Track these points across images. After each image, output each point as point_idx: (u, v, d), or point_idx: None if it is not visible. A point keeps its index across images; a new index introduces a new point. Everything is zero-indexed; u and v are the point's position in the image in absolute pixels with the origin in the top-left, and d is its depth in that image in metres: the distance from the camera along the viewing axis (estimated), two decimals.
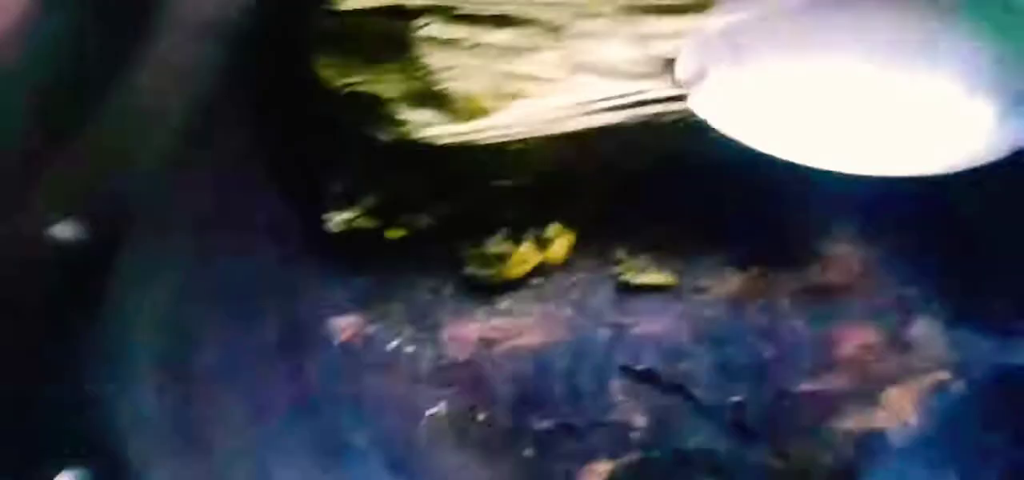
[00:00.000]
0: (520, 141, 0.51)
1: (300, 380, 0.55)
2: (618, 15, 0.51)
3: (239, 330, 0.54)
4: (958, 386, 0.58)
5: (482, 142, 0.51)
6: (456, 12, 0.50)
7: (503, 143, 0.51)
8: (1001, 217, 0.55)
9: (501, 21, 0.50)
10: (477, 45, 0.50)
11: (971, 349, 0.59)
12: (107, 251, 0.48)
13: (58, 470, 0.46)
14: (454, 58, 0.50)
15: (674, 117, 0.51)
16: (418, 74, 0.51)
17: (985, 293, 0.57)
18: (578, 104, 0.51)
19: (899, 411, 0.58)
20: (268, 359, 0.55)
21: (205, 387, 0.53)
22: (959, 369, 0.58)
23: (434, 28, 0.50)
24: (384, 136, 0.52)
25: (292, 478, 0.55)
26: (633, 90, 0.51)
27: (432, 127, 0.51)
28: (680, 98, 0.51)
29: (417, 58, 0.50)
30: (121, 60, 0.48)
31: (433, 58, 0.50)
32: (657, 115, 0.51)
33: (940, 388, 0.58)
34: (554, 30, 0.51)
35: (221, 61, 0.50)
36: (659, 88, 0.51)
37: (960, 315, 0.59)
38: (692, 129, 0.51)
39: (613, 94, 0.51)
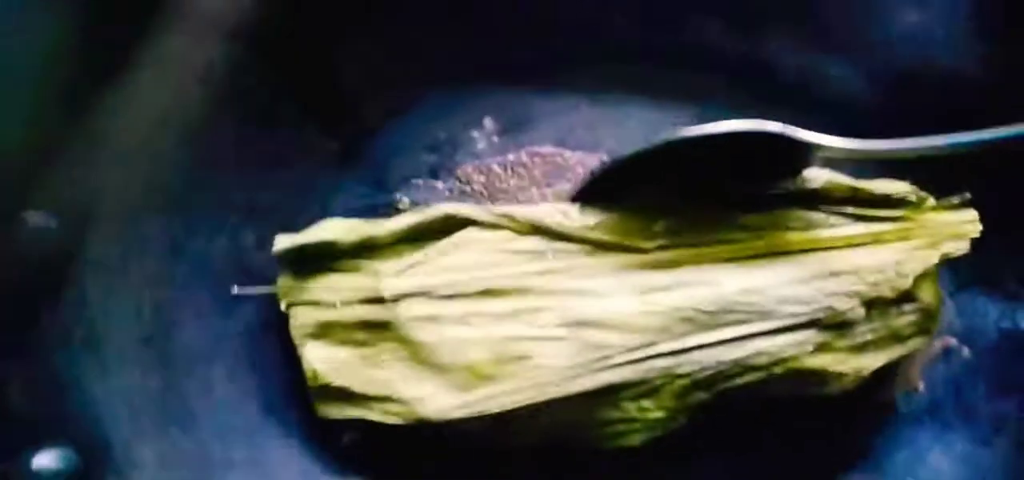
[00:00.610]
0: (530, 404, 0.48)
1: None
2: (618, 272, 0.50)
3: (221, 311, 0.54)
4: (965, 352, 0.56)
5: (485, 412, 0.48)
6: (437, 294, 0.50)
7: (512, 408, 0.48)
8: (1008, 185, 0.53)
9: (491, 293, 0.50)
10: (467, 315, 0.49)
11: (977, 315, 0.57)
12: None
13: (38, 450, 0.47)
14: (446, 331, 0.49)
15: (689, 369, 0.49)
16: (412, 352, 0.50)
17: (991, 259, 0.55)
18: (589, 361, 0.48)
19: (907, 379, 0.56)
20: (253, 339, 0.55)
21: (189, 367, 0.53)
22: (965, 335, 0.57)
23: (417, 308, 0.49)
24: (391, 420, 0.50)
25: (287, 456, 0.54)
26: (641, 342, 0.49)
27: (436, 401, 0.49)
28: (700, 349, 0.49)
29: (407, 337, 0.49)
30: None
31: (424, 334, 0.49)
32: (668, 369, 0.49)
33: (947, 354, 0.56)
34: (550, 292, 0.50)
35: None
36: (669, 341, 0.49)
37: (966, 281, 0.57)
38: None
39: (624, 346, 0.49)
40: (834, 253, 0.50)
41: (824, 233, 0.50)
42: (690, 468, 0.54)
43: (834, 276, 0.49)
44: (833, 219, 0.51)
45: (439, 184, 0.58)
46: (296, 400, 0.54)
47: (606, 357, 0.49)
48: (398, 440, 0.52)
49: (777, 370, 0.49)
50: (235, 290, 0.52)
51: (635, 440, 0.50)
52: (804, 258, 0.50)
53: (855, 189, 0.51)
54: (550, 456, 0.53)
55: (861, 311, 0.49)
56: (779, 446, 0.55)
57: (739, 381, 0.49)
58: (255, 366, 0.54)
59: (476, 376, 0.48)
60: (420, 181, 0.58)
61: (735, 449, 0.55)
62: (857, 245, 0.50)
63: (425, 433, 0.50)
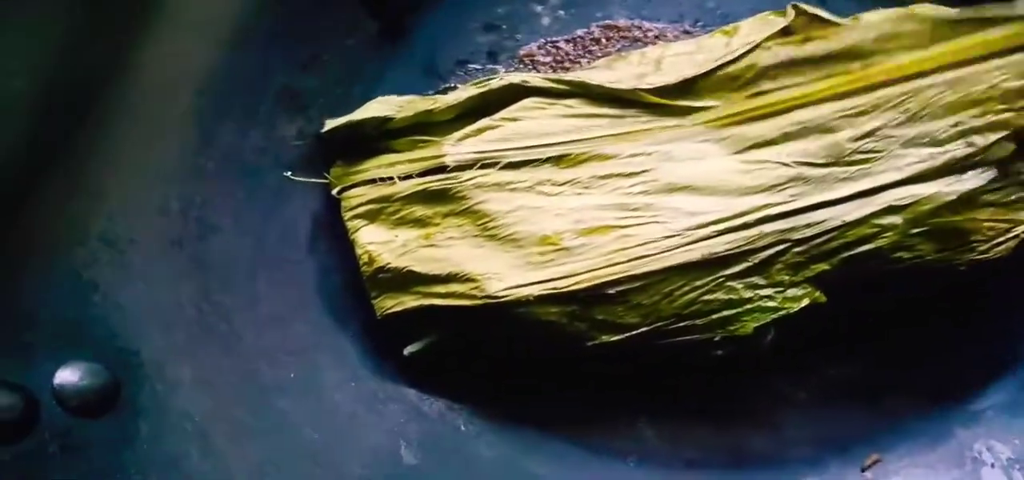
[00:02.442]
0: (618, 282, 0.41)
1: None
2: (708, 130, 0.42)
3: (260, 212, 0.47)
4: None
5: (566, 290, 0.42)
6: (506, 162, 0.42)
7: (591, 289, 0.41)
8: None
9: (566, 160, 0.42)
10: (540, 183, 0.42)
11: None
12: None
13: (62, 364, 0.41)
14: (518, 200, 0.42)
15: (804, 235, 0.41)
16: (479, 225, 0.43)
17: None
18: (684, 230, 0.41)
19: None
20: (299, 244, 0.48)
21: (227, 278, 0.46)
22: None
23: (484, 177, 0.42)
24: (457, 302, 0.43)
25: (341, 379, 0.47)
26: (744, 207, 0.41)
27: (508, 278, 0.42)
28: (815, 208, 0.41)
29: (473, 210, 0.42)
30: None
31: (493, 204, 0.42)
32: (780, 236, 0.41)
33: None
34: (632, 156, 0.42)
35: None
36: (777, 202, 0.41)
37: None
38: None
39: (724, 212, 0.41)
40: (968, 72, 0.41)
41: (950, 46, 0.41)
42: (808, 377, 0.48)
43: (973, 105, 0.40)
44: (962, 27, 0.42)
45: (499, 68, 0.51)
46: (351, 314, 0.47)
47: (704, 225, 0.41)
48: (463, 356, 0.47)
49: (912, 231, 0.41)
50: (287, 175, 0.45)
51: (747, 327, 0.42)
52: (929, 83, 0.41)
53: None
54: (639, 371, 0.47)
55: (1010, 146, 0.40)
56: (918, 346, 0.48)
57: (866, 247, 0.41)
58: (303, 277, 0.47)
59: (553, 250, 0.41)
60: (477, 65, 0.51)
61: (866, 344, 0.47)
62: (997, 54, 0.41)
63: (493, 344, 0.45)
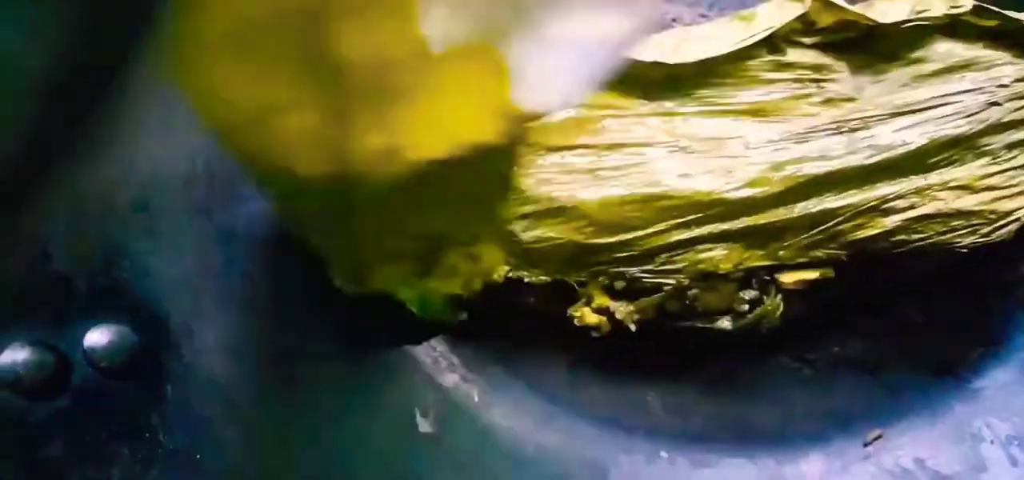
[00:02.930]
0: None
1: None
2: None
3: None
4: None
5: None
6: None
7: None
8: None
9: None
10: None
11: None
12: None
13: (92, 326, 0.42)
14: None
15: None
16: None
17: None
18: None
19: None
20: None
21: (253, 249, 0.47)
22: None
23: None
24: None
25: (361, 348, 0.49)
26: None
27: None
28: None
29: None
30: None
31: None
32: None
33: None
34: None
35: None
36: None
37: None
38: None
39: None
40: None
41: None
42: (813, 353, 0.50)
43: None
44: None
45: None
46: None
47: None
48: (507, 328, 0.48)
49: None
50: None
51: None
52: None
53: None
54: (646, 346, 0.48)
55: (998, 112, 0.42)
56: (919, 323, 0.49)
57: (874, 230, 0.43)
58: None
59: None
60: None
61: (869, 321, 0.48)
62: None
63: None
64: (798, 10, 0.44)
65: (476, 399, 0.49)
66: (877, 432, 0.47)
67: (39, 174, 0.41)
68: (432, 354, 0.50)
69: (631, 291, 0.48)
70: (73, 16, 0.41)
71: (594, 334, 0.48)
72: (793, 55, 0.44)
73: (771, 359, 0.49)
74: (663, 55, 0.44)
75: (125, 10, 0.42)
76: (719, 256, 0.44)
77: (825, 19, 0.44)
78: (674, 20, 0.52)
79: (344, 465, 0.46)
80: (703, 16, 0.52)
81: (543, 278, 0.47)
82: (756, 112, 0.44)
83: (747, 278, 0.46)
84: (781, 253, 0.44)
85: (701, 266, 0.45)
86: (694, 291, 0.45)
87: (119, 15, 0.42)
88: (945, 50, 0.44)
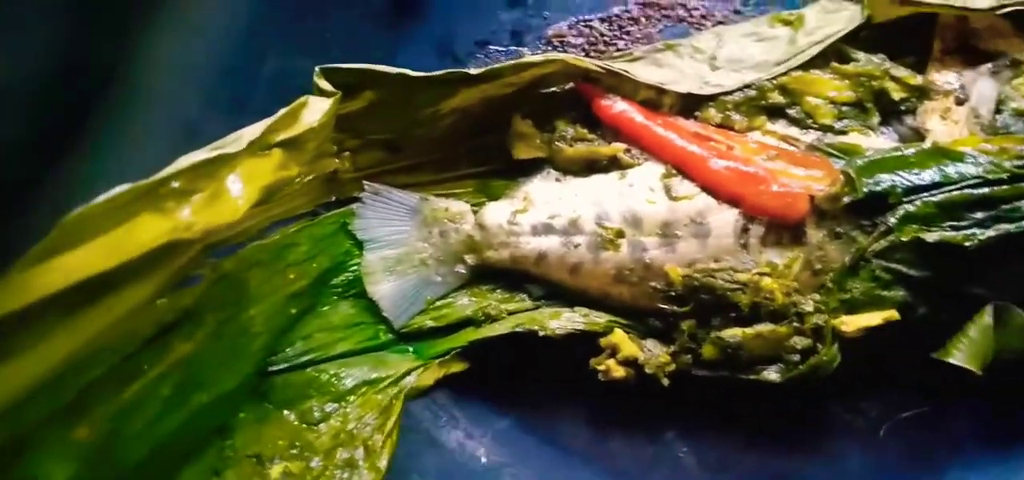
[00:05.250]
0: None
1: None
2: None
3: None
4: None
5: None
6: None
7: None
8: None
9: None
10: None
11: None
12: None
13: None
14: None
15: None
16: None
17: None
18: None
19: None
20: None
21: None
22: None
23: None
24: None
25: None
26: None
27: None
28: None
29: None
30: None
31: None
32: None
33: None
34: None
35: None
36: None
37: None
38: None
39: None
40: None
41: None
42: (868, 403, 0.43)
43: None
44: None
45: (525, 51, 0.45)
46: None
47: None
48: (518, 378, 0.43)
49: None
50: None
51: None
52: None
53: None
54: (678, 393, 0.41)
55: None
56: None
57: None
58: None
59: None
60: (499, 47, 0.45)
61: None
62: None
63: None
64: (847, 10, 0.38)
65: (483, 460, 0.44)
66: None
67: None
68: (432, 408, 0.43)
69: (661, 334, 0.41)
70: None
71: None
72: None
73: (819, 410, 0.43)
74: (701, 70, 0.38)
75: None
76: (772, 284, 0.38)
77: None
78: (704, 18, 0.45)
79: None
80: (737, 13, 0.45)
81: (558, 333, 0.40)
82: None
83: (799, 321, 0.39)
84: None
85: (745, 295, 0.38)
86: (738, 338, 0.39)
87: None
88: None
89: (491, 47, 0.45)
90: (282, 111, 0.38)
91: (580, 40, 0.45)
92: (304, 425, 0.39)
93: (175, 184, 0.34)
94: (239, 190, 0.36)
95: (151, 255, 0.33)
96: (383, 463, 0.39)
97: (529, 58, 0.40)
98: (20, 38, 0.37)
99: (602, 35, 0.45)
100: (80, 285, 0.30)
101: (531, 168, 0.44)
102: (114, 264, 0.31)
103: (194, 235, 0.34)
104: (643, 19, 0.45)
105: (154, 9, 0.40)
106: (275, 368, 0.41)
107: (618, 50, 0.44)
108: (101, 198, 0.31)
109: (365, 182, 0.43)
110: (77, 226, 0.30)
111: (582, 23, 0.45)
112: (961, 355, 0.38)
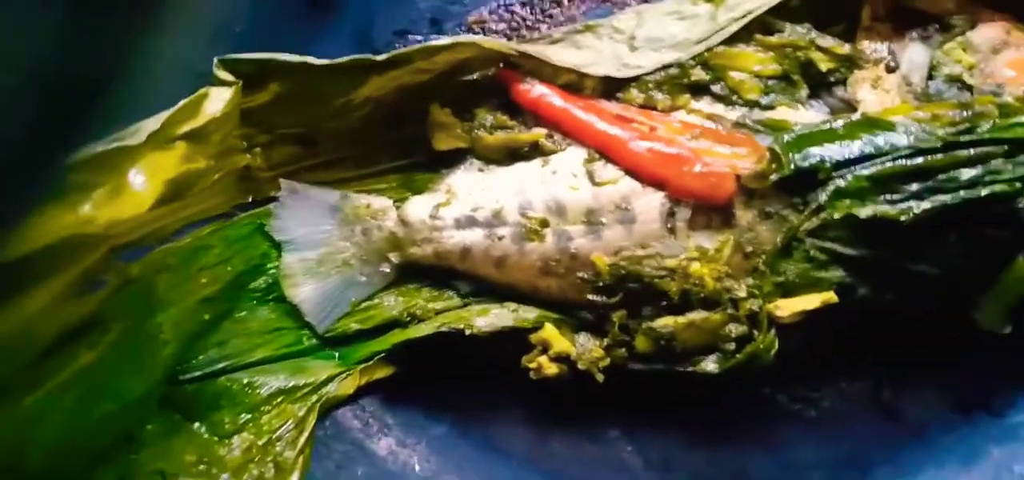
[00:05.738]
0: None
1: None
2: None
3: None
4: None
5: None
6: None
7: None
8: None
9: None
10: None
11: None
12: None
13: None
14: None
15: None
16: None
17: None
18: None
19: None
20: None
21: None
22: None
23: None
24: None
25: None
26: None
27: None
28: None
29: None
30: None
31: None
32: None
33: None
34: None
35: None
36: None
37: None
38: None
39: None
40: None
41: None
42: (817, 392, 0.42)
43: None
44: None
45: (444, 40, 0.43)
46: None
47: None
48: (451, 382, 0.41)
49: None
50: None
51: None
52: None
53: None
54: (619, 388, 0.40)
55: None
56: (938, 353, 0.40)
57: None
58: None
59: None
60: (418, 36, 0.43)
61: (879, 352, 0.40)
62: None
63: None
64: None
65: (418, 468, 0.41)
66: None
67: None
68: (361, 416, 0.41)
69: (594, 327, 0.39)
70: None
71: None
72: None
73: (767, 400, 0.41)
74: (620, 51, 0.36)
75: None
76: (702, 269, 0.36)
77: None
78: None
79: None
80: None
81: (485, 331, 0.38)
82: None
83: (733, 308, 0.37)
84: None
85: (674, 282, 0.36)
86: (669, 328, 0.37)
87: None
88: None
89: (410, 36, 0.43)
90: (182, 102, 0.36)
91: (502, 25, 0.43)
92: (214, 438, 0.37)
93: (77, 176, 0.32)
94: (142, 184, 0.34)
95: (53, 250, 0.31)
96: None
97: (439, 41, 0.38)
98: (19, 37, 0.32)
99: (524, 19, 0.43)
100: None
101: (454, 159, 0.42)
102: (13, 257, 0.29)
103: (97, 230, 0.33)
104: (565, 1, 0.43)
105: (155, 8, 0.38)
106: (186, 377, 0.39)
107: (540, 34, 0.42)
108: None
109: (281, 180, 0.41)
110: None
111: (503, 8, 0.43)
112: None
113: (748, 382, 0.39)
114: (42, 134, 0.33)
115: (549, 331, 0.39)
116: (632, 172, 0.38)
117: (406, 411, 0.42)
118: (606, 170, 0.38)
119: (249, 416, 0.38)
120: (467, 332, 0.39)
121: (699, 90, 0.39)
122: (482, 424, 0.42)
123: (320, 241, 0.41)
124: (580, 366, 0.39)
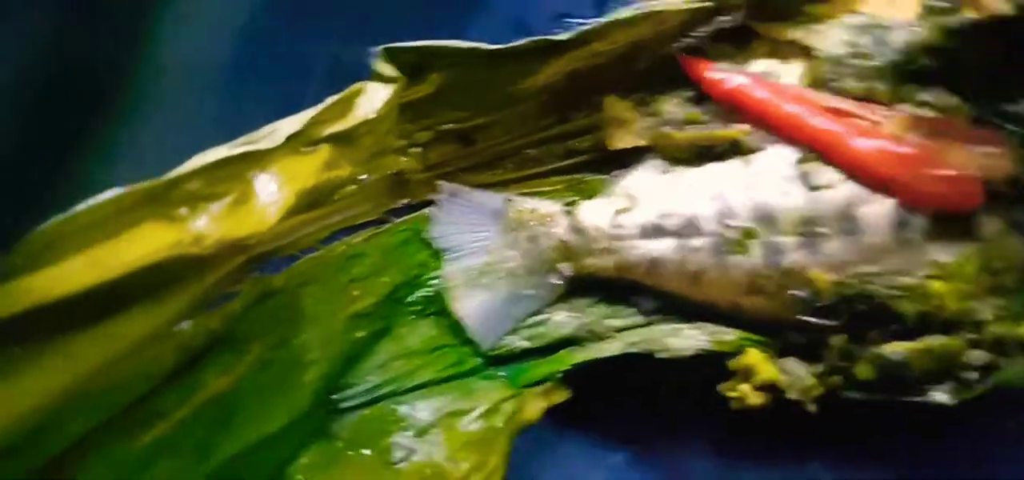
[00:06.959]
0: None
1: None
2: None
3: None
4: None
5: None
6: None
7: None
8: None
9: None
10: None
11: None
12: None
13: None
14: None
15: None
16: None
17: None
18: None
19: None
20: None
21: None
22: None
23: None
24: None
25: None
26: None
27: None
28: None
29: None
30: None
31: None
32: None
33: None
34: None
35: None
36: None
37: None
38: None
39: None
40: None
41: None
42: None
43: None
44: None
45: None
46: None
47: None
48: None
49: None
50: None
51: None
52: None
53: None
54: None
55: None
56: None
57: None
58: None
59: None
60: (581, 20, 0.38)
61: None
62: None
63: None
64: None
65: None
66: None
67: None
68: (528, 442, 0.38)
69: (802, 350, 0.35)
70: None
71: None
72: None
73: (999, 437, 0.36)
74: None
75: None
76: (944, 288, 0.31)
77: None
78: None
79: None
80: None
81: (680, 354, 0.34)
82: None
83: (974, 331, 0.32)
84: None
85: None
86: (902, 355, 0.32)
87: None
88: None
89: (573, 19, 0.39)
90: (331, 99, 0.32)
91: None
92: (384, 464, 0.34)
93: (190, 186, 0.28)
94: (272, 195, 0.30)
95: (151, 272, 0.27)
96: None
97: (626, 13, 0.34)
98: (20, 36, 0.35)
99: None
100: (57, 306, 0.25)
101: (627, 159, 0.38)
102: (95, 282, 0.26)
103: (205, 249, 0.28)
104: None
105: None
106: (346, 403, 0.35)
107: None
108: (83, 205, 0.26)
109: (440, 182, 0.37)
110: (55, 238, 0.25)
111: None
112: None
113: (985, 415, 0.34)
114: (49, 135, 0.36)
115: (754, 356, 0.34)
116: (855, 175, 0.33)
117: (579, 439, 0.38)
118: (823, 173, 0.33)
119: (420, 440, 0.34)
120: (660, 355, 0.35)
121: (929, 78, 0.34)
122: (665, 454, 0.38)
123: (483, 249, 0.37)
124: (789, 396, 0.34)
